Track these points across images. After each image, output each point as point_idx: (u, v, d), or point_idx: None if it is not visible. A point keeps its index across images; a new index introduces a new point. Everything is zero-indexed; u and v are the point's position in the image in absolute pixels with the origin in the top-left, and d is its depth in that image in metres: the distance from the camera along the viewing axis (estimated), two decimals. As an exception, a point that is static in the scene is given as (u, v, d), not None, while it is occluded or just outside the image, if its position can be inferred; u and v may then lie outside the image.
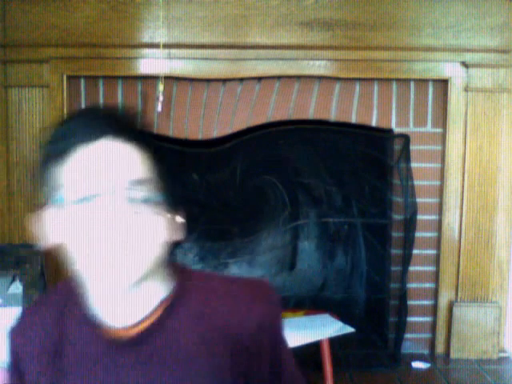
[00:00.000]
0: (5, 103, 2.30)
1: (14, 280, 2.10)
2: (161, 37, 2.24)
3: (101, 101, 2.35)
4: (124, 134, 0.74)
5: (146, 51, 2.30)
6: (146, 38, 2.28)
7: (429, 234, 2.43)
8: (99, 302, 0.80)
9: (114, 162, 0.73)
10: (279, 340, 0.84)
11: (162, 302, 0.80)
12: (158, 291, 0.80)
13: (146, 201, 0.73)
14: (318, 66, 2.32)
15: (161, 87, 2.23)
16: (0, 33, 2.25)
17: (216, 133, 2.37)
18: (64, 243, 0.76)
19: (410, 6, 2.28)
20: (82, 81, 2.35)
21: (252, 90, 2.35)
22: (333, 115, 2.38)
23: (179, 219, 0.80)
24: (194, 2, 2.26)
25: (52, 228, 0.77)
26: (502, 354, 2.44)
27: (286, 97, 2.35)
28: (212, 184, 2.79)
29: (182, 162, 2.67)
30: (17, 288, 2.09)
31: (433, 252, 2.45)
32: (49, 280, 2.26)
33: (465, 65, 2.31)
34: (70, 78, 2.32)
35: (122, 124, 0.77)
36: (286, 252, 2.86)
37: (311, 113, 2.37)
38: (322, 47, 2.29)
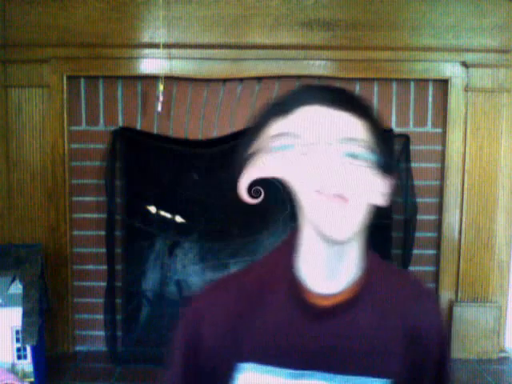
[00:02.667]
0: (5, 103, 2.30)
1: (14, 280, 2.10)
2: (161, 37, 2.24)
3: (101, 101, 2.36)
4: (342, 103, 0.80)
5: (146, 51, 2.30)
6: (146, 38, 2.28)
7: (429, 234, 2.43)
8: (308, 264, 0.85)
9: (331, 120, 0.78)
10: (445, 339, 0.92)
11: (357, 280, 0.86)
12: (355, 265, 0.86)
13: (357, 156, 0.78)
14: (318, 66, 2.32)
15: (161, 87, 2.23)
16: (0, 33, 2.25)
17: (216, 133, 2.37)
18: (289, 182, 0.83)
19: (410, 5, 2.28)
20: (82, 81, 2.35)
21: (252, 90, 2.35)
22: (333, 115, 2.37)
23: (387, 186, 0.84)
24: (194, 2, 2.26)
25: (275, 170, 0.84)
26: (502, 354, 2.44)
27: (286, 97, 2.35)
28: (212, 184, 2.78)
29: (182, 162, 2.66)
30: (17, 288, 2.09)
31: (433, 252, 2.45)
32: (49, 280, 2.27)
33: (465, 65, 2.31)
34: (69, 77, 2.32)
35: (342, 96, 0.83)
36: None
37: (311, 113, 2.36)
38: (322, 47, 2.29)
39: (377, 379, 0.84)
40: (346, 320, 0.84)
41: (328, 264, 0.84)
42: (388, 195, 0.84)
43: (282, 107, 0.82)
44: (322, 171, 0.77)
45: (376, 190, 0.81)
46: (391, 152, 0.84)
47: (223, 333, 0.86)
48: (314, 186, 0.78)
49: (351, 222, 0.79)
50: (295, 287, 0.85)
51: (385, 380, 0.85)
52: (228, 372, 0.85)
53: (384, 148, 0.81)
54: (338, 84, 2.34)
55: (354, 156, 0.77)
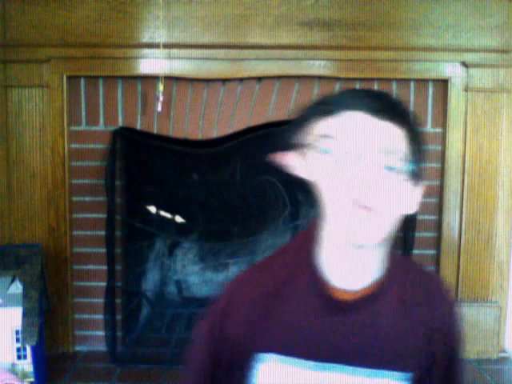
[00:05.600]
0: (5, 103, 2.30)
1: (13, 280, 2.10)
2: (161, 37, 2.24)
3: (101, 101, 2.36)
4: (386, 112, 0.80)
5: (146, 51, 2.30)
6: (146, 38, 2.28)
7: (429, 234, 2.43)
8: (330, 261, 0.86)
9: (373, 130, 0.79)
10: (461, 336, 0.96)
11: (379, 277, 0.87)
12: (378, 265, 0.87)
13: (394, 169, 0.79)
14: (318, 66, 2.32)
15: (161, 87, 2.23)
16: (0, 33, 2.25)
17: (216, 133, 2.37)
18: (317, 184, 0.82)
19: (410, 6, 2.28)
20: (82, 81, 2.35)
21: (252, 90, 2.35)
22: (333, 115, 2.37)
23: (419, 194, 0.85)
24: (194, 1, 2.26)
25: (310, 170, 0.84)
26: (501, 354, 2.44)
27: (286, 97, 2.35)
28: (212, 184, 2.79)
29: (182, 162, 2.67)
30: (17, 288, 2.09)
31: (433, 252, 2.45)
32: (49, 280, 2.27)
33: (465, 65, 2.31)
34: (69, 77, 2.32)
35: (385, 104, 0.83)
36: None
37: (311, 113, 2.36)
38: (322, 47, 2.29)
39: (397, 372, 0.86)
40: (367, 314, 0.85)
41: (349, 263, 0.85)
42: (418, 203, 0.85)
43: (326, 108, 0.82)
44: (357, 182, 0.77)
45: (407, 200, 0.82)
46: (424, 159, 0.85)
47: (247, 321, 0.87)
48: (344, 195, 0.78)
49: (377, 230, 0.80)
50: (316, 280, 0.86)
51: (405, 373, 0.86)
52: (248, 361, 0.86)
53: (419, 156, 0.82)
54: (337, 84, 2.34)
55: (390, 169, 0.78)
